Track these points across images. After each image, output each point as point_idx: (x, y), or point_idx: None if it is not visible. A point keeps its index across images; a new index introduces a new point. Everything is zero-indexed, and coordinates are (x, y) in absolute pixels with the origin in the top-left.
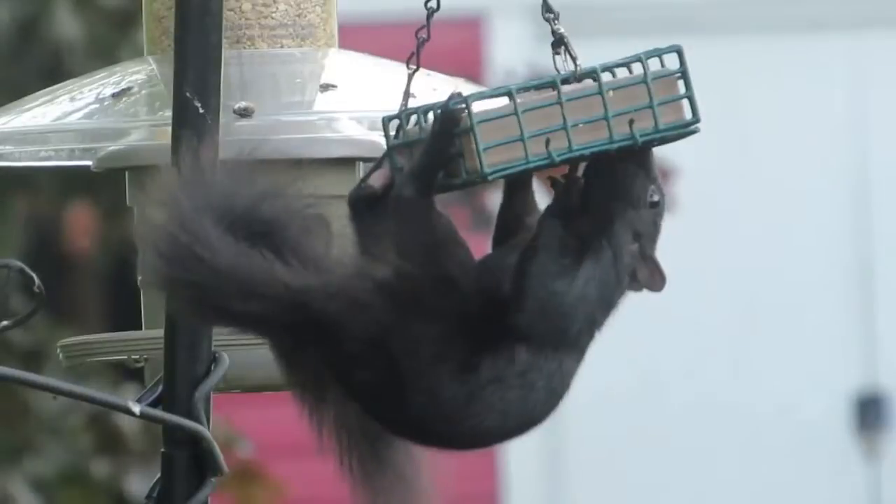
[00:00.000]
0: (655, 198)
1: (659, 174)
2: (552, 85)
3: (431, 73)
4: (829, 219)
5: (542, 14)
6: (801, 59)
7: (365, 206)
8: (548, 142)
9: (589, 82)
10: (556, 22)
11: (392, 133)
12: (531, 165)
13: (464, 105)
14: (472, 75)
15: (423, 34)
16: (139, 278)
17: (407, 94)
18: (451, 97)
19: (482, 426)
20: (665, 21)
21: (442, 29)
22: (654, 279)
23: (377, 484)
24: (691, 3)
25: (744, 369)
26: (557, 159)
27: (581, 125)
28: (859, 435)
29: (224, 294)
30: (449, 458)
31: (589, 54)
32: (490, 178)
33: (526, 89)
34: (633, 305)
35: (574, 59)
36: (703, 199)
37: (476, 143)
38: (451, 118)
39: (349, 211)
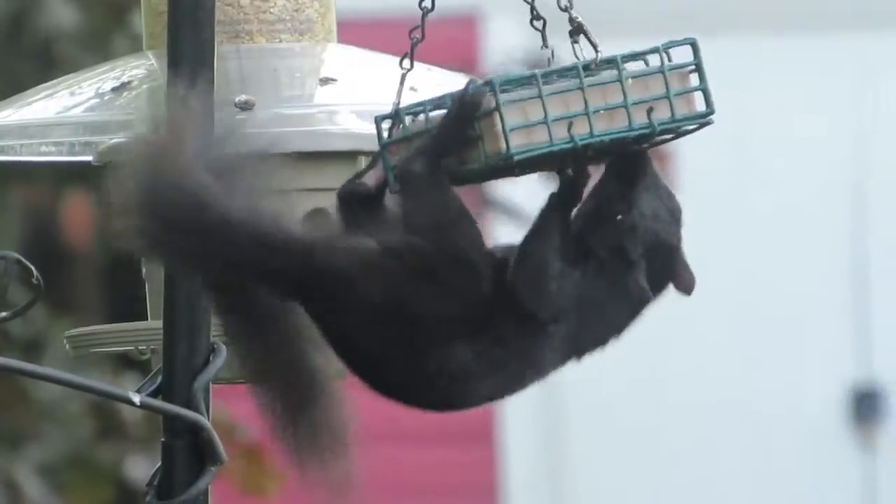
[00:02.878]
0: (620, 217)
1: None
2: (574, 71)
3: (433, 68)
4: (827, 214)
5: (530, 22)
6: (805, 57)
7: (357, 202)
8: (570, 126)
9: (605, 71)
10: (572, 10)
11: (385, 132)
12: (555, 149)
13: (486, 89)
14: (469, 72)
15: (418, 34)
16: (143, 270)
17: (400, 94)
18: (470, 81)
19: (481, 390)
20: (669, 19)
21: (438, 26)
22: (638, 294)
23: (311, 448)
24: (697, 1)
25: (741, 362)
26: (580, 143)
27: (602, 111)
28: (855, 427)
29: (238, 244)
30: (445, 449)
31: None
32: (515, 158)
33: (550, 74)
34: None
35: (595, 47)
36: (702, 195)
37: (503, 124)
38: (472, 101)
39: (338, 203)
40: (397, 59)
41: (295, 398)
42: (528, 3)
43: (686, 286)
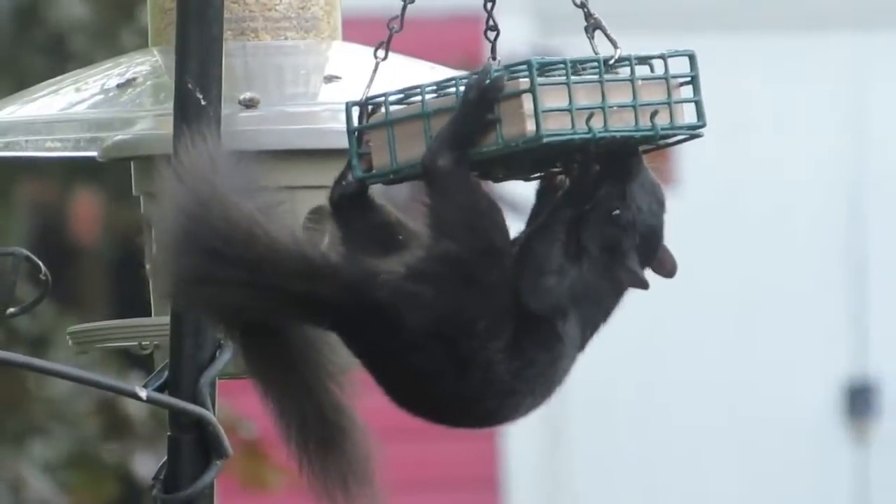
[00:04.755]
0: (617, 212)
1: (642, 188)
2: (593, 64)
3: (436, 66)
4: (823, 209)
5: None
6: (801, 55)
7: (349, 202)
8: (590, 117)
9: (619, 69)
10: (587, 7)
11: (356, 120)
12: (576, 137)
13: (506, 73)
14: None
15: (395, 24)
16: (147, 266)
17: (371, 82)
18: (486, 67)
19: (522, 401)
20: (667, 17)
21: (445, 25)
22: (634, 282)
23: (331, 471)
24: None
25: (736, 356)
26: (598, 135)
27: (615, 108)
28: (849, 422)
29: (283, 272)
30: (447, 443)
31: (589, 48)
32: (545, 140)
33: (579, 62)
34: (630, 292)
35: (614, 44)
36: (699, 191)
37: (536, 106)
38: (496, 85)
39: (332, 211)
40: (402, 57)
41: (322, 433)
42: None
43: (669, 270)
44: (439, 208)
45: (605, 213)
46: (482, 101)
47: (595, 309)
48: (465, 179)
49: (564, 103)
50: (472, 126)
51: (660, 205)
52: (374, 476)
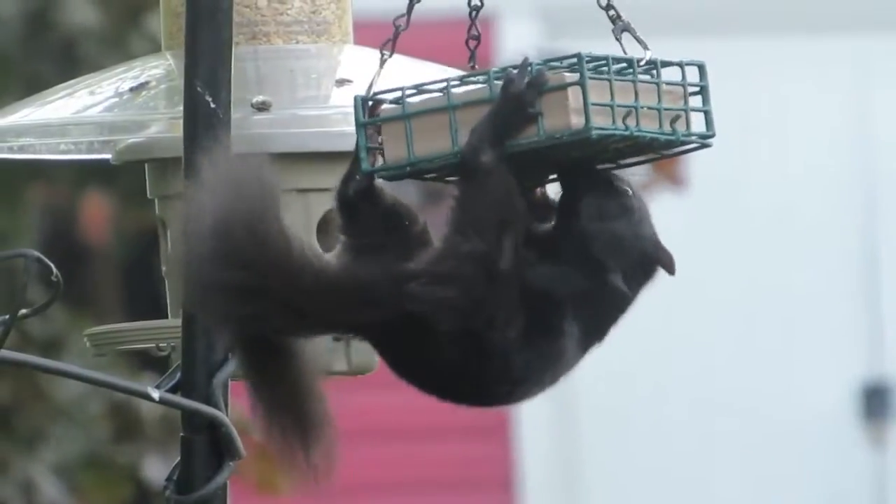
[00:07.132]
0: (576, 229)
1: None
2: (629, 63)
3: (445, 68)
4: (834, 209)
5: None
6: (806, 58)
7: (362, 197)
8: (627, 115)
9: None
10: (614, 9)
11: (362, 114)
12: (617, 133)
13: (546, 67)
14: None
15: (402, 22)
16: (163, 267)
17: (377, 76)
18: (525, 61)
19: (531, 389)
20: (671, 20)
21: (452, 27)
22: (623, 298)
23: (305, 452)
24: (699, 2)
25: (750, 358)
26: (634, 134)
27: (645, 109)
28: (865, 423)
29: (328, 306)
30: (460, 444)
31: (599, 51)
32: (594, 134)
33: (616, 60)
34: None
35: (644, 45)
36: (708, 191)
37: (586, 99)
38: (538, 79)
39: (340, 209)
40: (413, 61)
41: (299, 422)
42: None
43: (667, 268)
44: (474, 204)
45: (569, 233)
46: (525, 94)
47: (594, 314)
48: (505, 177)
49: (602, 100)
50: (514, 120)
51: (624, 211)
52: (335, 472)
